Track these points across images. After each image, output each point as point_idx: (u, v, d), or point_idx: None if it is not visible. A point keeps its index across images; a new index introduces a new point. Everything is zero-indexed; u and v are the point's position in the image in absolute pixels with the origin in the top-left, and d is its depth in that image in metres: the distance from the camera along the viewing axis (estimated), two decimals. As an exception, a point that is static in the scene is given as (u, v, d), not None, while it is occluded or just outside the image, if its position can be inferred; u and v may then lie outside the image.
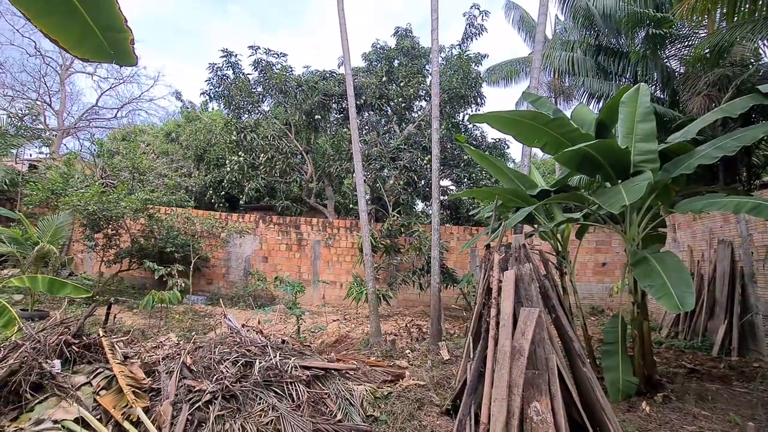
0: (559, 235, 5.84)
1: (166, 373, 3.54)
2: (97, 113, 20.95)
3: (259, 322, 4.90)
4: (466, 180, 11.24)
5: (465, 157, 11.22)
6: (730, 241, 6.59)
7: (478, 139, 11.97)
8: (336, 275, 11.97)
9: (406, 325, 8.59)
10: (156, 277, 8.93)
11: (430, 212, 13.73)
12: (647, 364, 4.74)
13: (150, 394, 3.44)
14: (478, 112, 6.40)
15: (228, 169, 11.87)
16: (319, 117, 11.66)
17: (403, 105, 11.51)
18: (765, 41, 6.95)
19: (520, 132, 5.03)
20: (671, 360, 6.21)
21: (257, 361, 3.42)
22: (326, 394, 3.59)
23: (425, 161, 10.19)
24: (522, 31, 14.08)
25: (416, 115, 12.27)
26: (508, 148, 12.21)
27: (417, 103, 12.02)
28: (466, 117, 11.40)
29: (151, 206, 10.36)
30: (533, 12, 19.08)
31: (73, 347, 3.71)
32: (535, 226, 5.91)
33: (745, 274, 6.29)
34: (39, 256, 7.44)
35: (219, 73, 11.69)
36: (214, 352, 3.56)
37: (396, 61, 11.97)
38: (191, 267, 9.86)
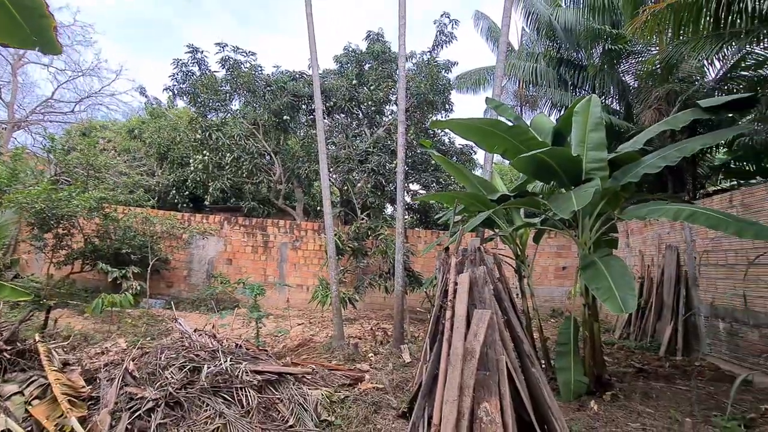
0: (518, 240, 6.00)
1: (108, 381, 3.36)
2: (52, 107, 19.76)
3: (213, 326, 4.74)
4: (434, 184, 11.38)
5: (433, 162, 11.37)
6: (677, 246, 6.99)
7: (446, 144, 12.16)
8: (303, 278, 11.79)
9: (371, 329, 8.56)
10: (110, 280, 8.49)
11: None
12: (597, 364, 4.93)
13: (89, 403, 3.26)
14: (441, 119, 6.51)
15: (192, 168, 11.49)
16: (288, 118, 11.51)
17: (373, 109, 11.55)
18: (707, 60, 7.45)
19: (482, 139, 5.14)
20: (621, 360, 6.50)
21: (206, 366, 3.29)
22: (279, 399, 3.51)
23: (394, 165, 10.23)
24: (490, 41, 14.46)
25: (387, 119, 12.33)
26: (475, 154, 12.48)
27: (387, 107, 12.09)
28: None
29: (107, 205, 9.86)
30: (500, 23, 19.65)
31: (5, 354, 3.47)
32: (496, 230, 6.04)
33: (689, 277, 6.68)
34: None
35: (184, 68, 11.32)
36: (160, 357, 3.41)
37: (367, 65, 12.00)
38: (149, 269, 9.44)
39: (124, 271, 8.17)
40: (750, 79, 7.70)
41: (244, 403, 3.24)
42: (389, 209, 14.20)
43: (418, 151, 12.00)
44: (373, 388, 4.58)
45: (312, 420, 3.44)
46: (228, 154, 11.24)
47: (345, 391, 4.49)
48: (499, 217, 5.81)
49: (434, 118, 11.98)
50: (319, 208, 13.26)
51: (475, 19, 14.91)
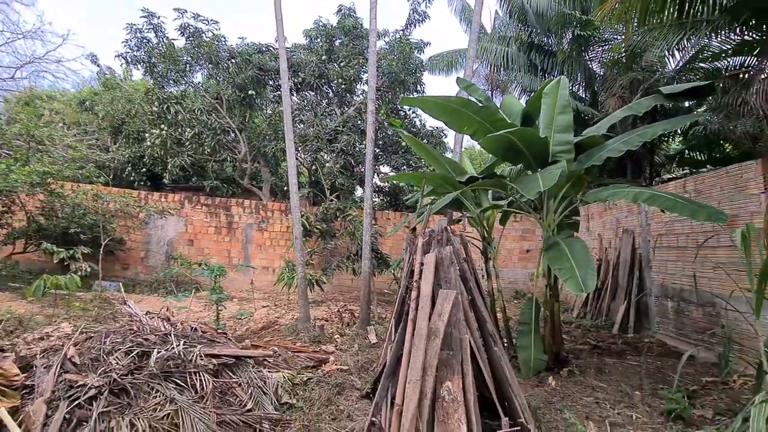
0: (484, 222, 6.04)
1: (45, 368, 3.09)
2: (-13, 71, 17.85)
3: (167, 309, 4.49)
4: (404, 167, 11.28)
5: (404, 144, 11.25)
6: (632, 230, 7.30)
7: (418, 127, 12.03)
8: (269, 260, 11.51)
9: (338, 310, 8.49)
10: (56, 261, 7.90)
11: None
12: (556, 342, 5.09)
13: (23, 392, 2.99)
14: (410, 97, 6.39)
15: (149, 143, 10.78)
16: (254, 93, 10.97)
17: (343, 87, 11.20)
18: (668, 51, 7.67)
19: (452, 119, 5.06)
20: (578, 338, 6.79)
21: (155, 350, 3.09)
22: (237, 383, 3.37)
23: (364, 145, 10.01)
24: (463, 22, 14.30)
25: (358, 99, 12.02)
26: (446, 137, 12.46)
27: (359, 86, 11.77)
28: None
29: (51, 181, 9.10)
30: (473, 3, 19.51)
31: None
32: (464, 212, 6.05)
33: (643, 260, 7.01)
34: None
35: (138, 35, 10.47)
36: (105, 342, 3.16)
37: (337, 41, 11.58)
38: (101, 250, 8.86)
39: (72, 252, 7.60)
40: (707, 70, 8.03)
41: (198, 388, 3.07)
42: (359, 191, 14.04)
43: (389, 133, 11.82)
44: (337, 369, 4.52)
45: (272, 403, 3.33)
46: (188, 130, 10.61)
47: (308, 373, 4.40)
48: (467, 199, 5.81)
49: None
50: (286, 188, 12.86)
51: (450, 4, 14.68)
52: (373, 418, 3.24)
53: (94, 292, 8.87)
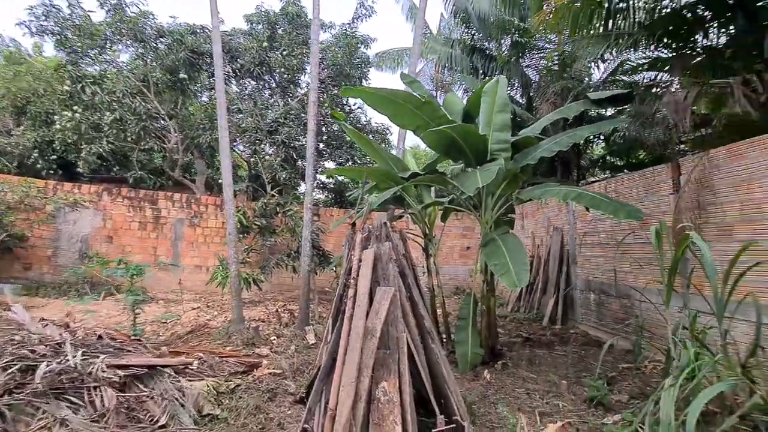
0: (426, 219, 6.06)
1: None
2: None
3: (68, 315, 3.91)
4: (349, 162, 11.08)
5: (348, 139, 11.04)
6: (561, 228, 7.77)
7: (363, 122, 11.87)
8: (202, 258, 10.72)
9: (277, 310, 8.11)
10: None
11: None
12: (491, 336, 5.23)
13: None
14: (350, 87, 6.19)
15: (58, 126, 9.51)
16: (186, 77, 10.11)
17: (286, 77, 10.71)
18: (594, 62, 8.27)
19: (395, 113, 4.98)
20: (512, 331, 7.08)
21: (44, 364, 2.63)
22: (149, 396, 2.98)
23: (306, 138, 9.67)
24: (410, 20, 14.39)
25: (301, 91, 11.59)
26: (391, 135, 12.45)
27: (303, 78, 11.33)
28: (351, 98, 11.12)
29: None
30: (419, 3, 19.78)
31: None
32: (406, 209, 6.01)
33: (570, 256, 7.48)
34: None
35: (47, 2, 9.17)
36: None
37: (280, 29, 11.05)
38: (-6, 247, 7.65)
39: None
40: (626, 82, 8.78)
41: (99, 405, 2.66)
42: (303, 187, 13.58)
43: (334, 128, 11.54)
44: (270, 373, 4.24)
45: (190, 416, 2.99)
46: (108, 114, 9.51)
47: (237, 379, 4.08)
48: (410, 195, 5.78)
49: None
50: (221, 181, 12.09)
51: (397, -2, 14.68)
52: (306, 425, 3.05)
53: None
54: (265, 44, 10.43)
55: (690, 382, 2.76)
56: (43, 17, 9.12)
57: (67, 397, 2.65)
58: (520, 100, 11.51)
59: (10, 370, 2.54)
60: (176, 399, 3.03)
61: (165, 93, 10.87)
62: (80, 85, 9.27)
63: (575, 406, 3.84)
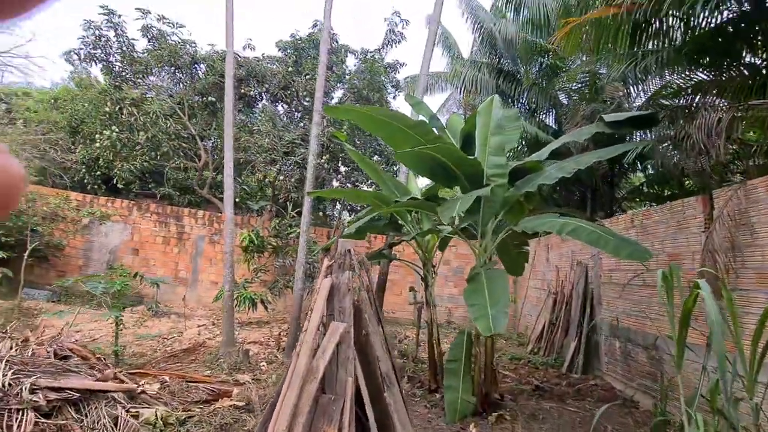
0: (425, 246, 5.66)
1: None
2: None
3: (41, 327, 3.92)
4: (361, 184, 10.93)
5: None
6: (586, 263, 7.00)
7: (382, 145, 11.73)
8: (219, 275, 10.83)
9: (279, 333, 7.91)
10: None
11: (334, 213, 13.23)
12: (487, 382, 4.64)
13: None
14: (335, 105, 6.04)
15: (98, 144, 10.22)
16: (215, 100, 10.58)
17: (307, 101, 10.92)
18: (629, 82, 7.62)
19: (388, 134, 4.72)
20: (523, 376, 6.34)
21: (-35, 381, 2.54)
22: (78, 422, 2.81)
23: (323, 159, 9.68)
24: (440, 45, 14.36)
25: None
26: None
27: (324, 100, 11.49)
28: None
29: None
30: (452, 29, 19.82)
31: None
32: (400, 235, 5.66)
33: (595, 295, 6.69)
34: None
35: (97, 32, 10.07)
36: None
37: (307, 54, 11.38)
38: (26, 255, 8.14)
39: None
40: (668, 107, 8.00)
41: (16, 430, 2.51)
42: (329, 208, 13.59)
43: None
44: (231, 406, 3.96)
45: (116, 450, 2.77)
46: (141, 133, 10.11)
47: (198, 408, 3.85)
48: (406, 222, 5.44)
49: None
50: (248, 201, 12.37)
51: (427, 23, 14.76)
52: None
53: (23, 299, 8.13)
54: (290, 69, 10.73)
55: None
56: (93, 46, 9.99)
57: (-15, 419, 2.53)
58: (551, 124, 10.92)
59: (-71, 386, 2.49)
60: (105, 428, 2.83)
61: (198, 115, 11.43)
62: (119, 107, 9.96)
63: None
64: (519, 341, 8.97)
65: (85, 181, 12.80)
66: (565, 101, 10.10)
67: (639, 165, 8.74)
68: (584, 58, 8.96)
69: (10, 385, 2.67)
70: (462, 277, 11.77)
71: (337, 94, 12.19)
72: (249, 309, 8.25)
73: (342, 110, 4.53)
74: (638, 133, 8.19)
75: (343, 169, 11.24)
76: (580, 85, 8.35)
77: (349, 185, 11.85)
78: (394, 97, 12.96)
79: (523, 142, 10.23)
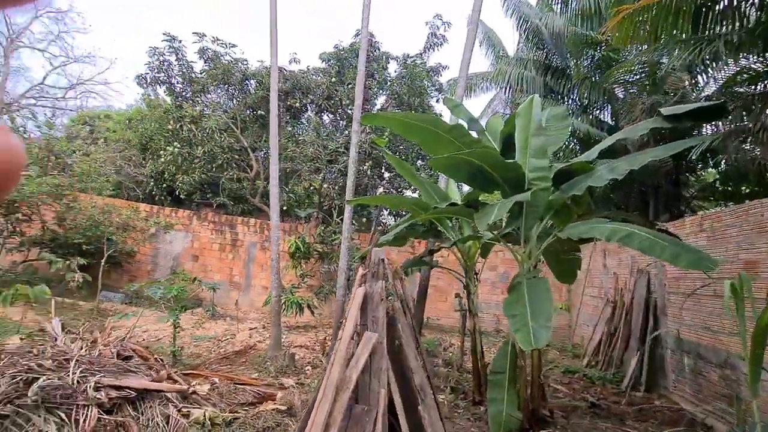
0: (466, 252, 5.50)
1: (-64, 387, 2.92)
2: (45, 92, 19.69)
3: (108, 328, 4.31)
4: (405, 190, 10.90)
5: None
6: (648, 270, 6.42)
7: (418, 152, 11.63)
8: (269, 280, 11.24)
9: (325, 338, 8.07)
10: (51, 270, 8.12)
11: (381, 218, 13.31)
12: (534, 396, 4.39)
13: None
14: (376, 113, 6.01)
15: (163, 160, 11.16)
16: (264, 113, 11.13)
17: (351, 108, 11.13)
18: (696, 70, 6.92)
19: (424, 139, 4.67)
20: (578, 392, 5.92)
21: (42, 378, 2.85)
22: (136, 419, 3.05)
23: (366, 166, 9.80)
24: (484, 46, 14.01)
25: (369, 121, 11.89)
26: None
27: (367, 107, 11.65)
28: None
29: (68, 193, 9.54)
30: (496, 27, 19.17)
31: None
32: (440, 242, 5.55)
33: (659, 305, 6.10)
34: None
35: (161, 57, 11.04)
36: (-2, 364, 2.97)
37: (349, 64, 11.62)
38: (103, 261, 9.06)
39: (68, 262, 7.79)
40: (743, 95, 7.14)
41: (82, 424, 2.77)
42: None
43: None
44: (274, 409, 4.09)
45: (167, 447, 2.97)
46: (199, 147, 10.88)
47: (243, 410, 4.02)
48: (446, 228, 5.32)
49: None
50: (296, 209, 12.83)
51: (468, 24, 14.48)
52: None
53: (101, 301, 9.08)
54: (333, 79, 11.02)
55: None
56: (157, 70, 10.95)
57: (58, 412, 2.82)
58: (609, 121, 10.20)
59: (13, 381, 2.82)
60: (158, 426, 3.03)
61: (250, 128, 12.10)
62: (179, 124, 10.81)
63: None
64: (574, 353, 8.41)
65: (153, 193, 14.04)
66: (621, 95, 9.40)
67: (711, 160, 7.88)
68: (641, 48, 8.31)
69: (78, 382, 2.96)
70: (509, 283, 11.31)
71: (380, 101, 12.32)
72: (296, 313, 8.51)
73: (379, 118, 4.56)
74: (710, 126, 7.41)
75: (387, 175, 11.30)
76: (637, 77, 7.70)
77: (393, 191, 11.91)
78: (437, 101, 12.83)
79: (576, 141, 9.66)
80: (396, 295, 3.17)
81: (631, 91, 7.96)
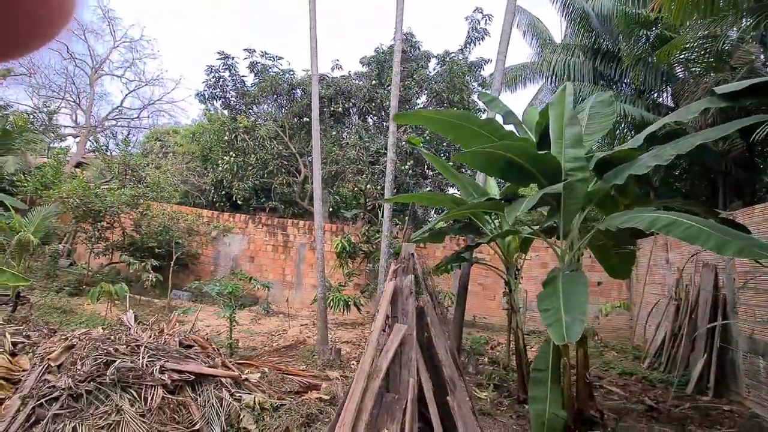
0: (505, 248, 5.41)
1: (39, 366, 3.50)
2: (123, 113, 22.10)
3: (172, 322, 4.82)
4: (450, 188, 10.82)
5: (453, 164, 10.83)
6: (714, 264, 5.87)
7: (457, 148, 11.49)
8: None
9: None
10: (130, 271, 9.14)
11: (426, 217, 13.35)
12: (580, 396, 4.23)
13: (17, 386, 3.40)
14: (408, 113, 5.98)
15: (221, 169, 12.09)
16: (310, 120, 11.65)
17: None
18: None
19: (459, 135, 4.69)
20: (634, 394, 5.56)
21: (118, 360, 3.30)
22: (193, 400, 3.41)
23: (407, 167, 9.91)
24: (528, 35, 13.49)
25: (410, 121, 11.99)
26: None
27: (407, 107, 11.75)
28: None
29: (142, 201, 10.68)
30: (542, 17, 18.30)
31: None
32: (478, 237, 5.51)
33: (728, 302, 5.56)
34: (20, 244, 7.78)
35: (216, 74, 11.97)
36: (84, 349, 3.48)
37: (389, 66, 11.80)
38: (172, 263, 10.03)
39: (144, 264, 8.73)
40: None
41: (149, 402, 3.17)
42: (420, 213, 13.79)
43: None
44: (318, 398, 4.33)
45: (221, 426, 3.29)
46: (252, 155, 11.65)
47: (289, 398, 4.30)
48: (483, 223, 5.28)
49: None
50: (341, 210, 13.28)
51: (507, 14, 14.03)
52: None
53: (173, 299, 10.10)
54: (374, 82, 11.26)
55: None
56: (213, 87, 11.90)
57: (131, 390, 3.25)
58: (669, 103, 9.43)
59: (96, 362, 3.29)
60: (213, 407, 3.37)
61: (296, 134, 12.72)
62: (234, 135, 11.66)
63: None
64: (635, 354, 7.88)
65: (214, 199, 15.23)
66: (682, 75, 8.64)
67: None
68: (701, 22, 7.59)
69: (146, 366, 3.39)
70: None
71: (421, 100, 12.37)
72: (343, 311, 8.82)
73: (412, 116, 4.65)
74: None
75: (429, 173, 11.33)
76: (696, 54, 7.06)
77: (437, 189, 11.89)
78: (479, 96, 12.64)
79: (630, 127, 9.03)
80: (425, 289, 3.25)
81: (692, 69, 7.29)
